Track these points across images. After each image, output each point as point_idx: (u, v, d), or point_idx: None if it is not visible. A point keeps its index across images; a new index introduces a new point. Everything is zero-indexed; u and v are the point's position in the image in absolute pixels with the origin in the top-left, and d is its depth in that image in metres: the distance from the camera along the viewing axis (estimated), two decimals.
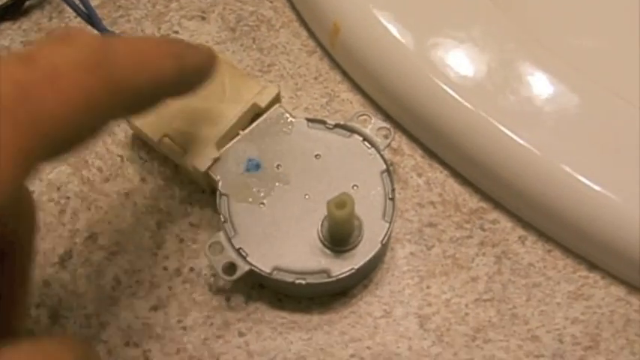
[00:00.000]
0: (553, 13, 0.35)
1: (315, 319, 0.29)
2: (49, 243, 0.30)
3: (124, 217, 0.31)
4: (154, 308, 0.29)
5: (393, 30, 0.32)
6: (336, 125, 0.30)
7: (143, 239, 0.31)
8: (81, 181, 0.32)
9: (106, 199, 0.32)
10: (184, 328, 0.29)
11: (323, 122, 0.30)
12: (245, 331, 0.29)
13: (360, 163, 0.30)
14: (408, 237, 0.31)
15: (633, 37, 0.34)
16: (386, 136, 0.30)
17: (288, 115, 0.30)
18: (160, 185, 0.32)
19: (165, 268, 0.30)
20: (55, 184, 0.32)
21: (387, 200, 0.29)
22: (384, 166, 0.29)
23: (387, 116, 0.33)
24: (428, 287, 0.30)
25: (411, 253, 0.30)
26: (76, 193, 0.32)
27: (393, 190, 0.29)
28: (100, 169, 0.32)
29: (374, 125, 0.30)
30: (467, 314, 0.29)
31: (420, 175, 0.32)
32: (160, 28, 0.35)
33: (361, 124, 0.30)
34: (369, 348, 0.29)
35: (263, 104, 0.30)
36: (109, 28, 0.33)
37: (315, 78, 0.34)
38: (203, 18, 0.35)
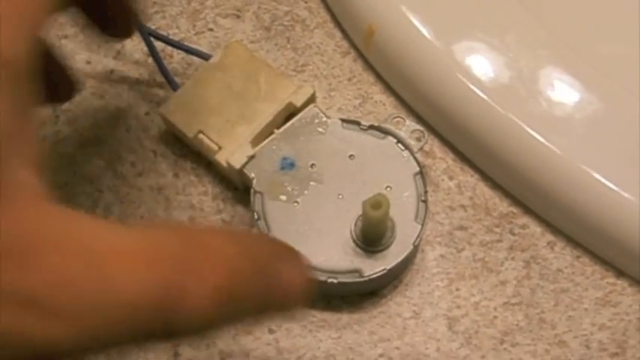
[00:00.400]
0: (584, 20, 0.35)
1: (345, 318, 0.30)
2: None
3: (156, 212, 0.32)
4: None
5: (427, 33, 0.32)
6: (370, 126, 0.31)
7: None
8: (114, 175, 0.32)
9: (138, 194, 0.32)
10: None
11: (357, 123, 0.31)
12: (275, 328, 0.30)
13: (394, 164, 0.30)
14: (438, 239, 0.31)
15: None
16: (419, 139, 0.30)
17: (322, 114, 0.31)
18: (192, 181, 0.32)
19: None
20: (88, 178, 0.32)
21: (420, 202, 0.29)
22: (418, 168, 0.30)
23: (420, 119, 0.33)
24: (457, 290, 0.30)
25: (441, 256, 0.31)
26: (109, 187, 0.32)
27: (426, 192, 0.29)
28: (133, 164, 0.33)
29: (408, 127, 0.30)
30: (495, 317, 0.30)
31: (451, 179, 0.32)
32: (194, 26, 0.35)
33: (395, 126, 0.31)
34: (397, 348, 0.29)
35: (298, 104, 0.31)
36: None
37: (349, 79, 0.34)
38: (238, 16, 0.36)
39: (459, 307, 0.30)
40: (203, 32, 0.35)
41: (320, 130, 0.30)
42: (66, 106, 0.33)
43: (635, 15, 0.35)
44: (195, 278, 0.19)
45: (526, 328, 0.29)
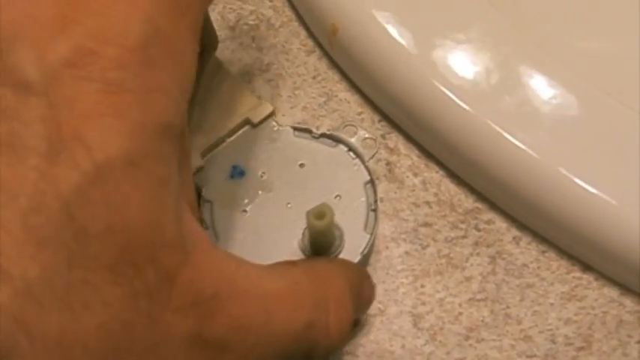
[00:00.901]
0: (551, 14, 0.35)
1: None
2: None
3: None
4: None
5: (391, 31, 0.32)
6: (322, 135, 0.30)
7: None
8: None
9: None
10: None
11: (309, 131, 0.30)
12: None
13: (344, 173, 0.30)
14: (403, 236, 0.31)
15: (633, 39, 0.34)
16: (371, 147, 0.30)
17: (274, 123, 0.31)
18: None
19: None
20: None
21: (370, 212, 0.29)
22: (368, 177, 0.30)
23: (385, 116, 0.33)
24: (422, 286, 0.30)
25: (406, 253, 0.31)
26: None
27: (376, 201, 0.29)
28: None
29: (360, 136, 0.30)
30: (460, 314, 0.30)
31: (416, 175, 0.32)
32: None
33: (347, 134, 0.30)
34: (362, 346, 0.29)
35: (256, 120, 0.30)
36: None
37: (314, 77, 0.34)
38: None
39: (423, 303, 0.30)
40: None
41: (271, 138, 0.30)
42: None
43: (604, 9, 0.35)
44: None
45: (491, 324, 0.29)
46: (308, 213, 0.26)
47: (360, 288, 0.27)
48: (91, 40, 0.19)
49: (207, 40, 0.31)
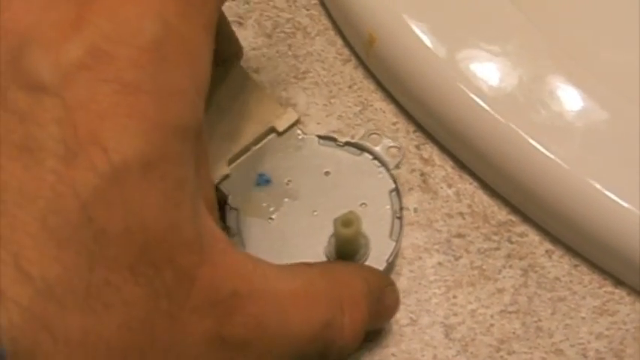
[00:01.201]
0: (586, 27, 0.36)
1: None
2: None
3: None
4: None
5: (427, 41, 0.32)
6: (347, 143, 0.31)
7: None
8: None
9: None
10: None
11: (334, 139, 0.31)
12: None
13: (369, 181, 0.30)
14: (436, 247, 0.31)
15: None
16: (394, 156, 0.30)
17: (299, 131, 0.31)
18: None
19: None
20: None
21: (395, 219, 0.29)
22: (393, 185, 0.30)
23: (419, 126, 0.34)
24: (454, 297, 0.30)
25: (439, 263, 0.31)
26: None
27: (401, 209, 0.29)
28: None
29: (384, 144, 0.31)
30: (492, 325, 0.30)
31: (450, 186, 0.32)
32: None
33: (372, 142, 0.31)
34: (394, 355, 0.29)
35: (281, 129, 0.31)
36: None
37: (350, 86, 0.35)
38: (240, 23, 0.36)
39: (455, 314, 0.30)
40: None
41: (296, 146, 0.31)
42: None
43: (636, 21, 0.35)
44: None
45: (523, 337, 0.30)
46: (335, 220, 0.26)
47: (380, 294, 0.27)
48: (105, 41, 0.19)
49: (231, 50, 0.31)
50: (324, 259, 0.28)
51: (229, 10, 0.36)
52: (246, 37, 0.35)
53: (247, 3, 0.36)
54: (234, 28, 0.35)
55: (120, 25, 0.19)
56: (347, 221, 0.26)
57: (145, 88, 0.19)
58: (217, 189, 0.30)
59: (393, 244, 0.29)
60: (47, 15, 0.20)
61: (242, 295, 0.21)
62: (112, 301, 0.18)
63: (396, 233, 0.29)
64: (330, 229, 0.28)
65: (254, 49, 0.35)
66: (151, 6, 0.20)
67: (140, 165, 0.19)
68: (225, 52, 0.25)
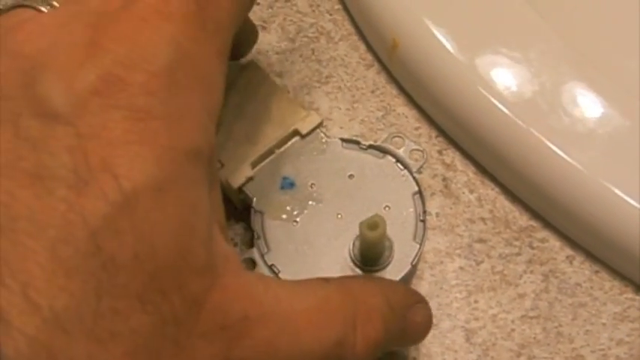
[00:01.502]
0: (607, 34, 0.36)
1: None
2: None
3: None
4: None
5: (450, 47, 0.33)
6: (370, 146, 0.31)
7: None
8: None
9: None
10: None
11: (357, 142, 0.31)
12: None
13: (393, 184, 0.30)
14: (457, 252, 0.31)
15: None
16: (417, 159, 0.31)
17: (323, 135, 0.31)
18: None
19: None
20: None
21: (419, 222, 0.29)
22: (416, 188, 0.30)
23: (442, 132, 0.34)
24: (475, 302, 0.30)
25: (460, 268, 0.31)
26: None
27: (425, 212, 0.29)
28: None
29: (407, 147, 0.31)
30: (513, 330, 0.30)
31: (471, 192, 0.33)
32: None
33: (394, 145, 0.31)
34: (414, 359, 0.29)
35: (304, 131, 0.31)
36: None
37: (372, 91, 0.35)
38: (263, 27, 0.36)
39: (476, 319, 0.30)
40: None
41: (320, 149, 0.31)
42: None
43: None
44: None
45: (543, 342, 0.30)
46: (361, 224, 0.27)
47: (406, 310, 0.26)
48: (119, 67, 0.19)
49: (246, 30, 0.31)
50: (348, 261, 0.29)
51: (253, 14, 0.36)
52: (269, 41, 0.36)
53: (271, 7, 0.37)
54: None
55: (134, 51, 0.20)
56: (373, 224, 0.27)
57: (157, 114, 0.19)
58: (241, 191, 0.30)
59: (417, 246, 0.29)
60: (61, 38, 0.20)
61: (252, 318, 0.21)
62: (119, 330, 0.18)
63: (420, 236, 0.29)
64: (354, 232, 0.28)
65: (277, 53, 0.36)
66: (166, 31, 0.20)
67: (152, 191, 0.19)
68: (239, 35, 0.24)
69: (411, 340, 0.28)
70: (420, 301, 0.27)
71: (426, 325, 0.27)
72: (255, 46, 0.35)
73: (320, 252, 0.29)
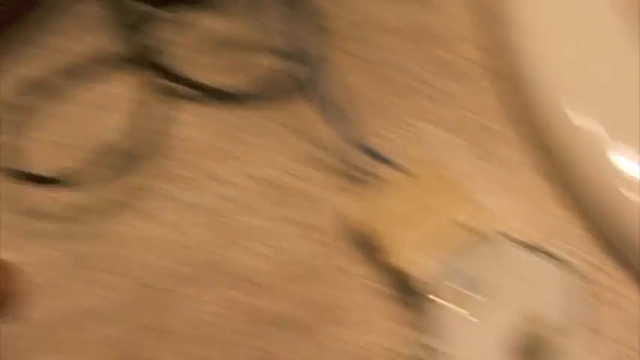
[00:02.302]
0: None
1: None
2: None
3: None
4: None
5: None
6: (532, 247, 0.31)
7: None
8: None
9: None
10: None
11: (522, 243, 0.31)
12: None
13: (552, 287, 0.30)
14: None
15: None
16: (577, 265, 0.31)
17: (494, 233, 0.31)
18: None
19: None
20: None
21: (576, 324, 0.29)
22: (579, 294, 0.30)
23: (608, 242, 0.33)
24: None
25: None
26: None
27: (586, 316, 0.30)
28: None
29: (568, 250, 0.31)
30: None
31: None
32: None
33: (567, 253, 0.31)
34: None
35: (477, 229, 0.31)
36: None
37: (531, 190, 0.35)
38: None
39: None
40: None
41: (490, 246, 0.31)
42: None
43: None
44: None
45: None
46: (525, 322, 0.27)
47: None
48: None
49: None
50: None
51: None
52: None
53: None
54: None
55: None
56: (536, 323, 0.27)
57: None
58: (411, 277, 0.31)
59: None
60: None
61: None
62: None
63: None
64: (518, 330, 0.29)
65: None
66: None
67: None
68: None
69: None
70: None
71: None
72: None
73: (490, 348, 0.29)
